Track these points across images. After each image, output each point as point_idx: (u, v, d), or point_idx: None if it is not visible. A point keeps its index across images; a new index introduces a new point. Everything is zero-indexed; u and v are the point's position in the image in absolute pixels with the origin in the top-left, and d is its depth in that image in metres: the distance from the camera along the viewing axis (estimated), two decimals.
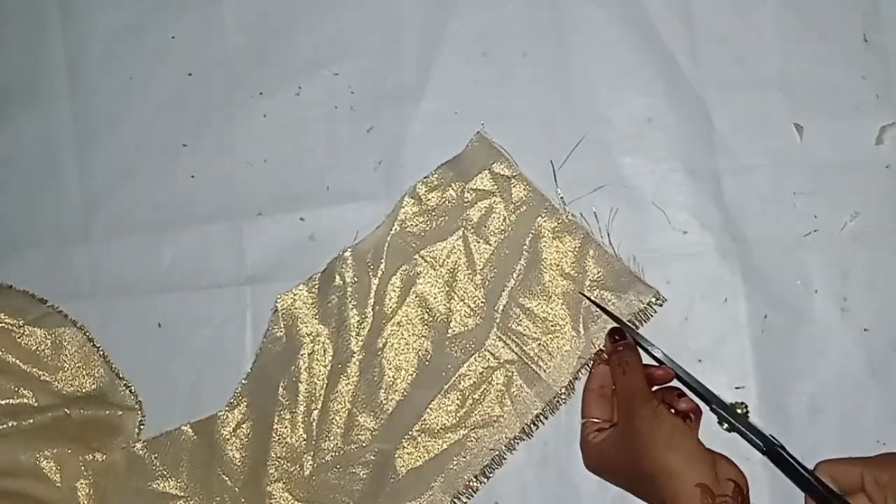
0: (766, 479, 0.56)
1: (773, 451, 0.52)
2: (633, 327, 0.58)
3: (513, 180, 0.61)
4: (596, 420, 0.55)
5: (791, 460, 0.52)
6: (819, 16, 0.61)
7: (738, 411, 0.54)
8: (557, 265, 0.60)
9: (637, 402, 0.51)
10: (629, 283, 0.59)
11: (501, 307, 0.60)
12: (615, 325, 0.57)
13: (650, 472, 0.49)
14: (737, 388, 0.58)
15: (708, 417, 0.54)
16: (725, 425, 0.54)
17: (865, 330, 0.58)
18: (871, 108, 0.59)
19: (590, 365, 0.58)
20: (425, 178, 0.62)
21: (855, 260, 0.58)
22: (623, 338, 0.56)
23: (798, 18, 0.61)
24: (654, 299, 0.59)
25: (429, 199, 0.62)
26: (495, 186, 0.61)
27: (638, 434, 0.50)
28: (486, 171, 0.61)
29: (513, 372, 0.59)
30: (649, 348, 0.56)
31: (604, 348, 0.57)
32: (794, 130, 0.60)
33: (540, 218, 0.60)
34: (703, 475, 0.47)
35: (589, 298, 0.58)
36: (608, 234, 0.60)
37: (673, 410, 0.52)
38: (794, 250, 0.59)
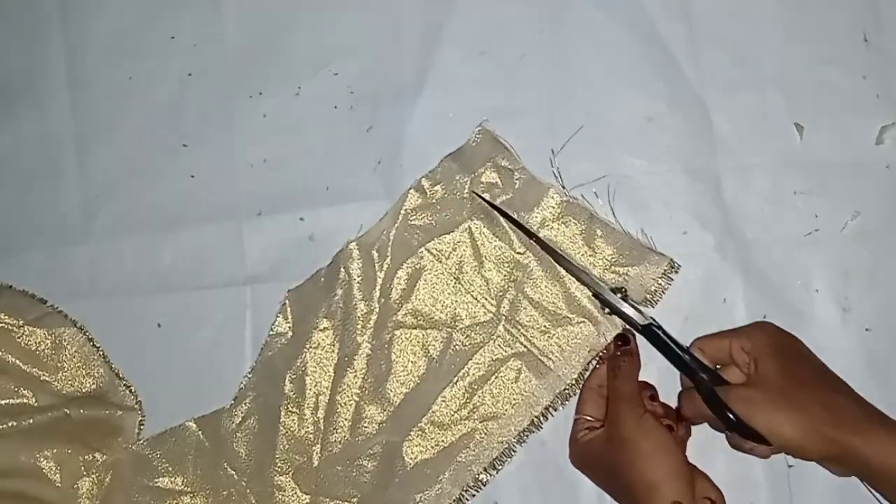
0: (765, 488, 0.56)
1: (650, 331, 0.55)
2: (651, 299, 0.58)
3: (516, 173, 0.61)
4: (588, 418, 0.55)
5: (666, 338, 0.54)
6: (819, 16, 0.60)
7: (618, 295, 0.57)
8: (566, 253, 0.59)
9: (624, 408, 0.52)
10: (642, 255, 0.59)
11: (509, 299, 0.60)
12: (627, 322, 0.57)
13: (629, 482, 0.49)
14: None
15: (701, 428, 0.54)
16: (607, 309, 0.57)
17: (867, 330, 0.58)
18: (871, 108, 0.59)
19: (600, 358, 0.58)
20: (430, 171, 0.62)
21: (856, 260, 0.58)
22: (626, 344, 0.56)
23: (798, 18, 0.61)
24: (669, 267, 0.58)
25: (433, 193, 0.62)
26: (499, 179, 0.61)
27: (622, 441, 0.50)
28: (490, 164, 0.61)
29: (521, 364, 0.59)
30: (579, 274, 0.57)
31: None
32: (795, 130, 0.60)
33: (544, 207, 0.60)
34: (681, 492, 0.48)
35: (481, 197, 0.60)
36: (612, 211, 0.60)
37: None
38: (794, 250, 0.59)
